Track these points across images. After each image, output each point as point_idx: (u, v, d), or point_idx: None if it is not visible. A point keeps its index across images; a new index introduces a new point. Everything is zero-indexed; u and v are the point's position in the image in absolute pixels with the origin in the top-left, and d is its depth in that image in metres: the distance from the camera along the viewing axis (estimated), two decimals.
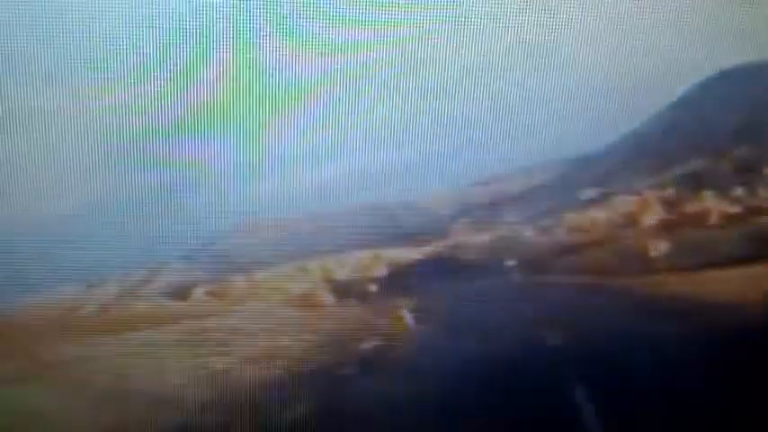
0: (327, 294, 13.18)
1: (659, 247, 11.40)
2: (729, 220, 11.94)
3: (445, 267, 14.74)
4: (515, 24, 10.34)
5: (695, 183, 13.97)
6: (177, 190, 8.68)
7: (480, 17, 10.16)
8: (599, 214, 15.16)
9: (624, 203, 14.65)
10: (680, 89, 16.54)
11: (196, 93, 9.34)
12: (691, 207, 13.01)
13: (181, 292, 12.09)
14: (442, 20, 10.06)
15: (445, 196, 17.22)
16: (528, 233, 15.53)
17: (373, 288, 13.68)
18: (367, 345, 8.68)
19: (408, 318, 10.09)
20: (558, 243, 14.65)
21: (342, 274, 13.98)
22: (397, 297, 12.61)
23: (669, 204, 13.67)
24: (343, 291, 13.26)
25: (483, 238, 16.33)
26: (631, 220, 14.02)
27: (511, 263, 13.34)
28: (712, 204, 12.78)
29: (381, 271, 14.56)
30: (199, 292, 12.29)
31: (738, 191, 13.11)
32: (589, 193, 16.64)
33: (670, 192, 14.00)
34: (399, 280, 13.94)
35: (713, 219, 12.22)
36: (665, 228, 12.65)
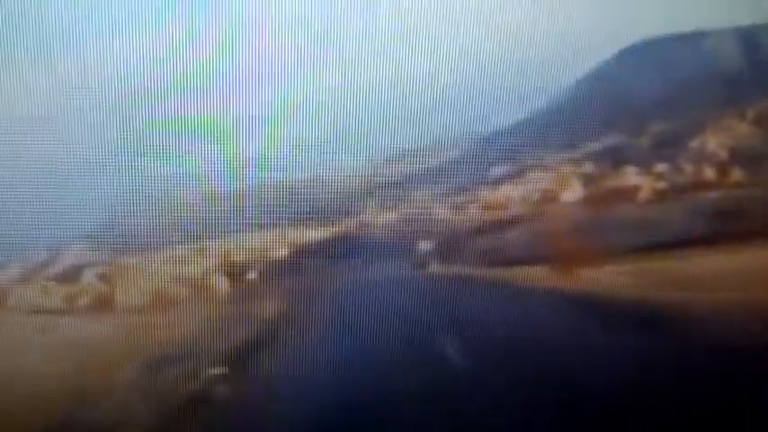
0: (221, 278, 12.68)
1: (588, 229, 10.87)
2: (663, 195, 11.53)
3: (351, 247, 13.99)
4: None
5: (614, 158, 13.65)
6: (79, 170, 8.06)
7: None
8: (514, 191, 14.66)
9: (540, 179, 14.17)
10: (594, 62, 16.30)
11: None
12: (613, 182, 12.61)
13: (71, 275, 11.36)
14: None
15: (354, 173, 16.31)
16: (441, 211, 14.90)
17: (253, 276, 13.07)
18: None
19: None
20: (473, 221, 14.07)
21: (240, 255, 13.16)
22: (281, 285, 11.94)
23: (589, 180, 13.25)
24: (237, 274, 12.61)
25: (392, 216, 15.61)
26: (550, 197, 13.53)
27: (423, 244, 12.65)
28: (637, 180, 12.41)
29: (282, 252, 13.82)
30: (89, 275, 11.54)
31: (661, 166, 12.85)
32: (501, 169, 16.15)
33: (588, 167, 13.61)
34: (295, 263, 13.24)
35: (644, 194, 11.78)
36: (590, 204, 12.11)
